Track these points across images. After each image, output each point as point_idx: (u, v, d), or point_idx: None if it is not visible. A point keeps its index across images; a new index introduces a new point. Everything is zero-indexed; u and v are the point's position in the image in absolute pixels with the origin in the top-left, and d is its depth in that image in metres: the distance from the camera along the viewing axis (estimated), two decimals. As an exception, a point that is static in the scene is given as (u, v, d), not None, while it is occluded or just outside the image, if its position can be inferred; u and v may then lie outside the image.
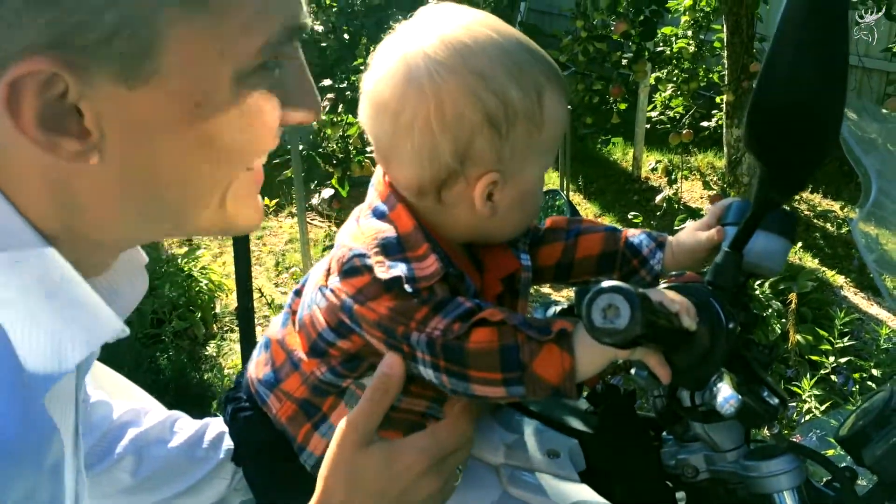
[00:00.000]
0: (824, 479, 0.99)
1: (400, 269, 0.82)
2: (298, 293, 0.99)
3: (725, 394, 0.71)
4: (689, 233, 1.00)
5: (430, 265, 0.84)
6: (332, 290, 0.88)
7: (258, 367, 1.01)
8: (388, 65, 0.86)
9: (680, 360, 0.75)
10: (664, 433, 1.05)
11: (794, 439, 1.90)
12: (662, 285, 0.78)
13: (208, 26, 0.57)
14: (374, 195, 0.92)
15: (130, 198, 0.63)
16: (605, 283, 0.64)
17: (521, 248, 1.00)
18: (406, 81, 0.84)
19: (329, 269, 0.91)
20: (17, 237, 0.60)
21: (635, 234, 1.03)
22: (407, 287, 0.82)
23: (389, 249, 0.84)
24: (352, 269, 0.85)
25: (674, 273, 0.87)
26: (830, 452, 1.54)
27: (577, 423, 1.05)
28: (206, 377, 3.53)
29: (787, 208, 0.90)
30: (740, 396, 0.71)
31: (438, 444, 0.81)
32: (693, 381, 0.76)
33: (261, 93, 0.62)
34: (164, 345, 3.59)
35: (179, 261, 4.11)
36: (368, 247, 0.85)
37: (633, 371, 1.01)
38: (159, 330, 3.68)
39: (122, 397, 1.12)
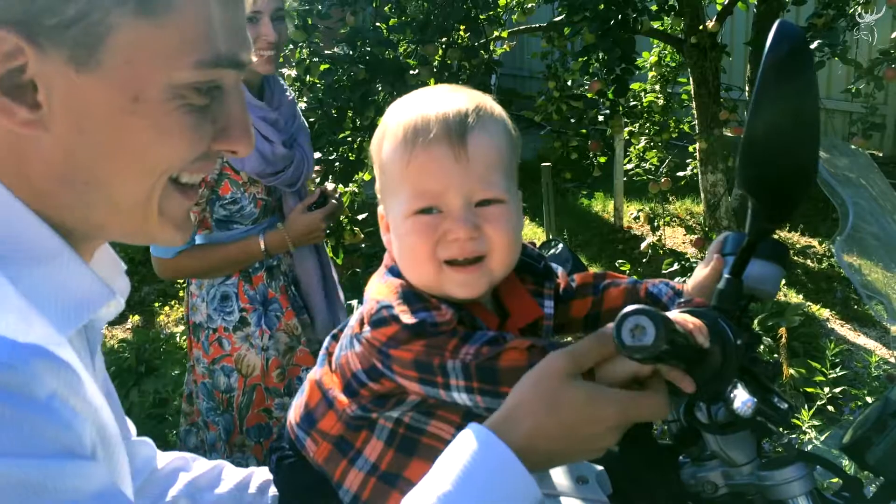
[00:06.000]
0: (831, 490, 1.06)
1: (422, 316, 0.92)
2: (336, 337, 1.08)
3: (743, 398, 0.80)
4: (697, 271, 1.10)
5: (445, 312, 0.94)
6: (365, 339, 0.97)
7: (295, 412, 1.09)
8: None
9: (697, 375, 0.83)
10: (681, 456, 1.12)
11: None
12: (675, 311, 0.87)
13: (152, 32, 0.68)
14: (388, 257, 1.04)
15: (67, 177, 0.70)
16: (632, 307, 0.73)
17: (546, 295, 1.08)
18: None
19: (362, 321, 1.00)
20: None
21: (654, 283, 1.13)
22: (431, 330, 0.91)
23: (410, 300, 0.95)
24: (380, 319, 0.95)
25: (683, 300, 0.96)
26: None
27: (601, 451, 1.12)
28: (213, 452, 3.53)
29: (777, 240, 1.01)
30: (755, 399, 0.79)
31: (636, 407, 0.81)
32: (711, 394, 0.85)
33: (187, 110, 0.71)
34: (169, 423, 3.60)
35: (178, 338, 4.15)
36: (392, 298, 0.96)
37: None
38: (163, 410, 3.70)
39: None
